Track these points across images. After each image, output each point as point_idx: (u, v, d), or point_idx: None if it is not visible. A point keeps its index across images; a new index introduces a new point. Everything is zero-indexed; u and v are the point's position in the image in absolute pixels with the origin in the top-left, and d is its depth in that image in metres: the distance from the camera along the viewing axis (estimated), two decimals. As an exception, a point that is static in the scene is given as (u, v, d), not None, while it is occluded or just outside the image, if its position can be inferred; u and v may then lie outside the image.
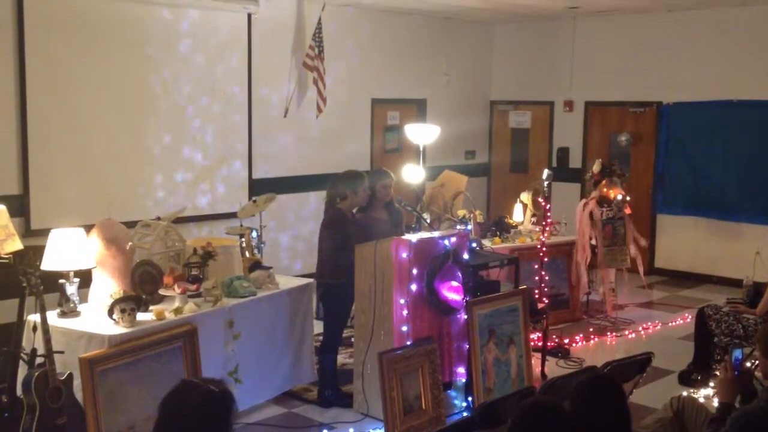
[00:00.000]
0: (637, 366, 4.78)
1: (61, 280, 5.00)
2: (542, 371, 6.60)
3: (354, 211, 6.14)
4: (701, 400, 5.20)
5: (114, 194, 7.78)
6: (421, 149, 8.84)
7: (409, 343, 5.45)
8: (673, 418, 4.30)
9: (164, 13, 8.21)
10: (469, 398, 5.70)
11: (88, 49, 7.66)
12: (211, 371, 5.02)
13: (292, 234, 9.56)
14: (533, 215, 8.59)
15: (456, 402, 5.88)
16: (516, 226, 8.38)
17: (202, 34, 8.55)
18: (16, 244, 5.04)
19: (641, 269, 8.53)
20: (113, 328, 4.80)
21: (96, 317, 4.98)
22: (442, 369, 5.60)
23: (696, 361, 6.52)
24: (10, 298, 5.26)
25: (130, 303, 4.85)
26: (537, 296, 6.97)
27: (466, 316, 5.67)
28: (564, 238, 8.43)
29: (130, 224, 5.95)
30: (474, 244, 6.44)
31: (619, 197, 8.24)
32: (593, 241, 8.21)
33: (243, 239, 7.02)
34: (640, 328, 8.07)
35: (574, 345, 7.47)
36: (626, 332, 7.94)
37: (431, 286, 5.54)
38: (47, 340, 4.47)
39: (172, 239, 5.78)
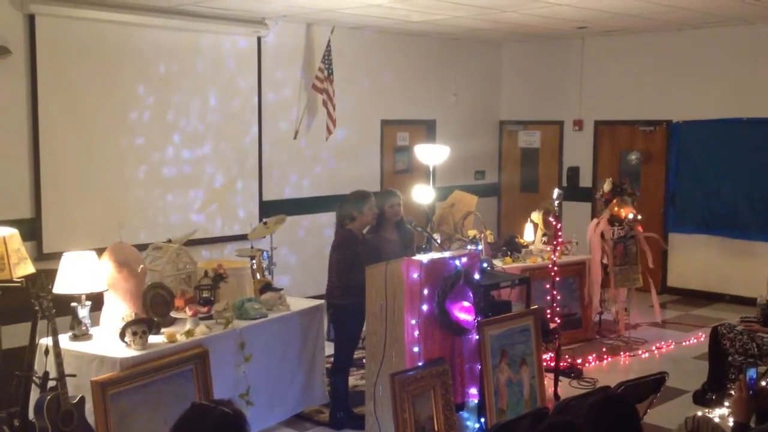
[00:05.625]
0: (651, 386, 4.74)
1: (73, 304, 5.01)
2: (555, 392, 6.56)
3: (365, 231, 6.14)
4: (716, 419, 5.14)
5: (125, 217, 7.82)
6: (431, 170, 8.85)
7: (420, 364, 5.42)
8: (688, 438, 4.25)
9: (175, 38, 8.28)
10: (482, 419, 5.66)
11: (100, 73, 7.74)
12: (223, 393, 5.01)
13: (304, 255, 9.57)
14: (544, 235, 8.57)
15: (468, 423, 5.83)
16: (527, 246, 8.36)
17: (212, 58, 8.62)
18: (28, 268, 5.06)
19: (653, 289, 8.50)
20: (125, 351, 4.81)
21: (108, 340, 4.99)
22: (454, 390, 5.57)
23: (710, 381, 6.47)
24: (22, 322, 5.27)
25: (141, 326, 4.86)
26: (549, 316, 6.94)
27: (477, 337, 5.65)
28: (575, 257, 8.40)
29: (142, 247, 5.98)
30: (485, 264, 6.42)
31: (630, 216, 8.22)
32: (605, 261, 8.18)
33: (254, 261, 7.03)
34: (654, 348, 8.02)
35: (586, 365, 7.42)
36: (639, 352, 7.89)
37: (442, 306, 5.52)
38: (59, 364, 4.48)
39: (183, 262, 5.80)
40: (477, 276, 5.83)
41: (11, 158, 7.25)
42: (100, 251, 5.31)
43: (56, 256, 5.33)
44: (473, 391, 5.79)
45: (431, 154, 8.63)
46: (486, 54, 11.87)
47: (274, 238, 8.29)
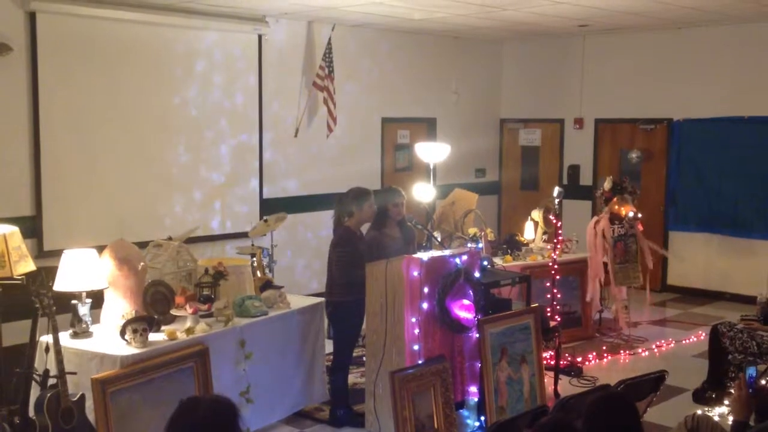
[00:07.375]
0: (651, 384, 4.75)
1: (74, 301, 5.02)
2: (555, 390, 6.57)
3: (368, 228, 6.14)
4: (716, 418, 5.15)
5: (126, 215, 7.82)
6: (432, 168, 8.84)
7: (420, 362, 5.43)
8: (688, 436, 4.26)
9: (176, 36, 8.28)
10: (482, 417, 5.67)
11: (100, 71, 7.73)
12: (223, 391, 5.00)
13: (304, 253, 9.57)
14: (544, 233, 8.57)
15: (468, 421, 5.84)
16: (527, 244, 8.36)
17: (213, 56, 8.62)
18: (29, 266, 5.06)
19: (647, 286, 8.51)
20: (125, 348, 4.81)
21: (108, 338, 5.00)
22: (454, 388, 5.58)
23: (710, 379, 6.47)
24: (22, 319, 5.28)
25: (142, 323, 4.86)
26: (549, 314, 6.94)
27: (477, 335, 5.66)
28: (575, 255, 8.39)
29: (142, 244, 5.98)
30: (485, 262, 6.42)
31: (631, 214, 8.21)
32: (605, 259, 8.17)
33: (254, 259, 7.04)
34: (654, 346, 8.02)
35: (587, 363, 7.43)
36: (639, 350, 7.89)
37: (443, 304, 5.53)
38: (59, 361, 4.48)
39: (183, 259, 5.80)
40: (477, 274, 5.84)
41: (12, 155, 7.25)
42: (100, 249, 5.31)
43: (57, 254, 5.32)
44: (473, 389, 5.80)
45: (432, 152, 8.62)
46: (487, 52, 11.86)
47: (275, 235, 8.29)
